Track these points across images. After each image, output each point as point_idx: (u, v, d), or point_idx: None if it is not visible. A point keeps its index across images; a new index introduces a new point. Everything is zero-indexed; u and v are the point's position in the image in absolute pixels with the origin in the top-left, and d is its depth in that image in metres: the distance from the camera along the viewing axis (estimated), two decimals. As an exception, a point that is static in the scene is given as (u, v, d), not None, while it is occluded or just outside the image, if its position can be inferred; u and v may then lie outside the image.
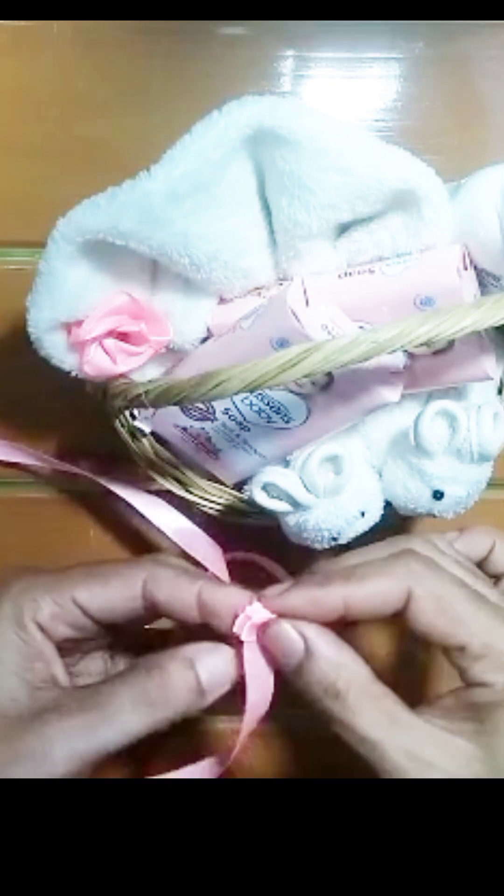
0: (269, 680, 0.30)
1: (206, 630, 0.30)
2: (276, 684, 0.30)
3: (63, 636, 0.30)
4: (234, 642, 0.30)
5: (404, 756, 0.27)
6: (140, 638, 0.35)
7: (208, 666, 0.29)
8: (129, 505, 0.49)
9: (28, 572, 0.31)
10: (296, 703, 0.29)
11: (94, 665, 0.34)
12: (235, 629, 0.29)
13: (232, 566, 0.35)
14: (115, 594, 0.30)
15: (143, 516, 0.43)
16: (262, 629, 0.29)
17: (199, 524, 0.46)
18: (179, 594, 0.30)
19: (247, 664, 0.29)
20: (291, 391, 0.37)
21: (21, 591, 0.30)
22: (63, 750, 0.27)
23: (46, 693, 0.29)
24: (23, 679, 0.29)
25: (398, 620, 0.29)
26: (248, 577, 0.39)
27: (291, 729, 0.49)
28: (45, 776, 0.27)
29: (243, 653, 0.29)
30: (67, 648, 0.31)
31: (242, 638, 0.29)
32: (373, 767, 0.27)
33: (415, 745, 0.27)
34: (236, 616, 0.29)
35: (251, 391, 0.31)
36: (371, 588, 0.28)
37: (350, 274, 0.38)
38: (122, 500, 0.49)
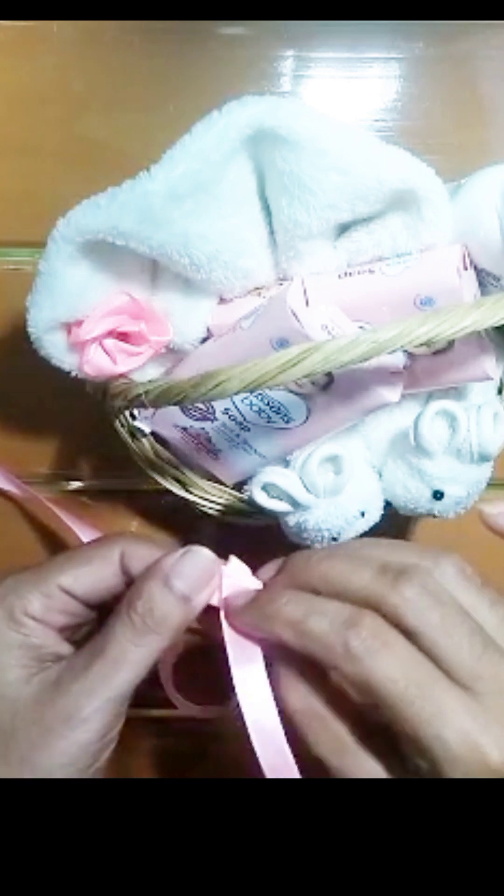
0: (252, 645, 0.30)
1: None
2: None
3: (59, 624, 0.31)
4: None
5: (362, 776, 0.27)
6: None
7: (184, 574, 0.29)
8: (129, 505, 0.50)
9: (10, 574, 0.32)
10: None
11: None
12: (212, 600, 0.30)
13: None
14: (97, 574, 0.31)
15: (143, 517, 0.44)
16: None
17: (198, 524, 0.46)
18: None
19: (225, 630, 0.30)
20: (291, 391, 0.37)
21: (7, 591, 0.31)
22: (89, 707, 0.28)
23: (56, 665, 0.30)
24: (31, 668, 0.30)
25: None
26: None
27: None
28: (82, 740, 0.28)
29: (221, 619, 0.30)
30: (68, 635, 0.32)
31: (213, 602, 0.30)
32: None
33: (362, 771, 0.27)
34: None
35: (251, 391, 0.31)
36: (304, 645, 0.28)
37: (350, 274, 0.38)
38: (123, 500, 0.50)
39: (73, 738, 0.28)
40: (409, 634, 0.27)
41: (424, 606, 0.27)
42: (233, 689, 0.29)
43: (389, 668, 0.26)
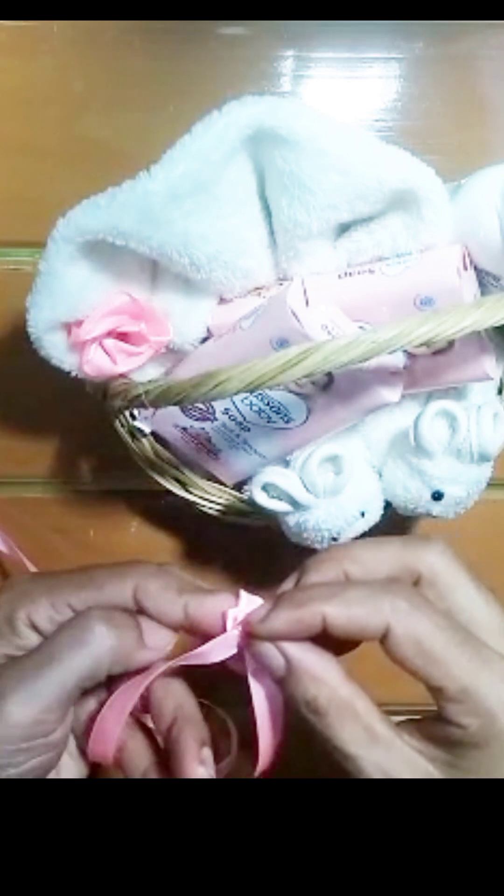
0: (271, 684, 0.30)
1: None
2: None
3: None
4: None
5: (378, 772, 0.27)
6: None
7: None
8: (129, 505, 0.50)
9: (29, 576, 0.32)
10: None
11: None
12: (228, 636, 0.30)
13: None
14: (106, 601, 0.31)
15: (143, 517, 0.44)
16: (247, 644, 0.30)
17: (198, 524, 0.46)
18: (166, 608, 0.31)
19: (249, 667, 0.30)
20: (291, 391, 0.37)
21: (20, 592, 0.31)
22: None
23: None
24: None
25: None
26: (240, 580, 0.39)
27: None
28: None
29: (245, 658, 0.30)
30: None
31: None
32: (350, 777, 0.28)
33: (389, 764, 0.27)
34: (225, 618, 0.30)
35: (251, 391, 0.31)
36: (351, 614, 0.28)
37: (350, 274, 0.38)
38: (123, 500, 0.50)
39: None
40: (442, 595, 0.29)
41: (455, 563, 0.30)
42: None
43: (438, 619, 0.28)
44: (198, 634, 0.31)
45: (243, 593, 0.30)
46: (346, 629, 0.28)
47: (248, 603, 0.30)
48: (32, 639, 0.30)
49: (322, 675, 0.28)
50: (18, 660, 0.30)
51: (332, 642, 0.29)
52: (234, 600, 0.30)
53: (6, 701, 0.28)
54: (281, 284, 0.41)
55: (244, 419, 0.39)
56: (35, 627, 0.30)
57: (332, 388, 0.37)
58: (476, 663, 0.27)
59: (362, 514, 0.39)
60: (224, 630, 0.30)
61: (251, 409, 0.38)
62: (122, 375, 0.39)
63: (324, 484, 0.38)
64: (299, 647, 0.29)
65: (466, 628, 0.28)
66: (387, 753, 0.27)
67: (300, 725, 0.28)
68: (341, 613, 0.28)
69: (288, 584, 0.31)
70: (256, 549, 0.47)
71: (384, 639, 0.28)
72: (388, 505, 0.41)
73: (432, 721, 0.28)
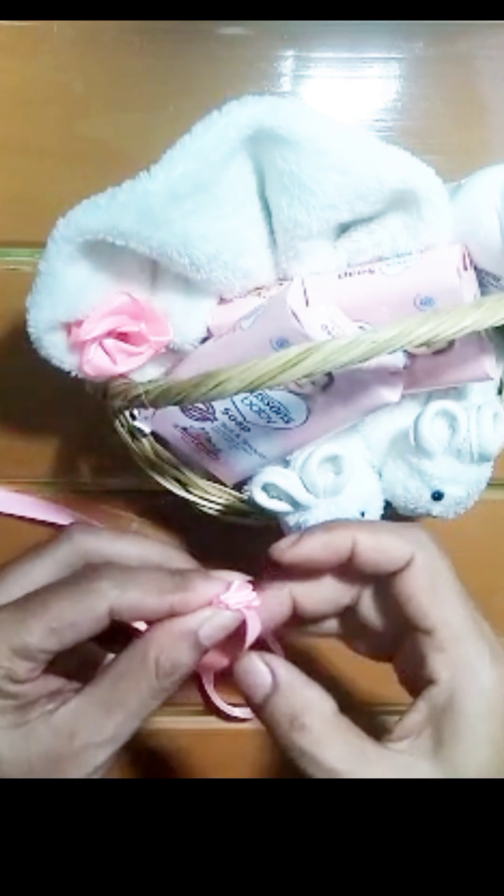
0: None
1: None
2: None
3: (41, 668, 0.29)
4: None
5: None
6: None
7: (210, 635, 0.29)
8: (129, 505, 0.50)
9: None
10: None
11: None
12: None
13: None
14: (79, 632, 0.29)
15: (143, 517, 0.44)
16: (231, 664, 0.30)
17: (198, 524, 0.46)
18: (150, 614, 0.30)
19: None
20: (291, 391, 0.37)
21: None
22: (106, 755, 0.29)
23: (63, 713, 0.29)
24: (31, 721, 0.29)
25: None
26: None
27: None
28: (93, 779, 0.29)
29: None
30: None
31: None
32: None
33: (380, 775, 0.27)
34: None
35: (251, 391, 0.31)
36: (380, 539, 0.29)
37: (350, 274, 0.38)
38: (122, 500, 0.50)
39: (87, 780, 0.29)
40: None
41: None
42: None
43: (452, 567, 0.29)
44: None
45: (236, 580, 0.31)
46: (373, 556, 0.29)
47: (240, 588, 0.30)
48: (24, 690, 0.29)
49: (308, 693, 0.28)
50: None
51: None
52: (221, 586, 0.30)
53: None
54: (281, 284, 0.41)
55: (244, 419, 0.39)
56: (20, 682, 0.29)
57: (332, 388, 0.37)
58: (472, 618, 0.28)
59: (362, 514, 0.39)
60: None
61: (251, 409, 0.38)
62: (122, 375, 0.39)
63: (324, 484, 0.38)
64: (284, 663, 0.29)
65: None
66: (380, 767, 0.27)
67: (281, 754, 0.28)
68: (371, 538, 0.29)
69: (285, 544, 0.31)
70: (256, 549, 0.47)
71: (403, 571, 0.29)
72: (388, 505, 0.41)
73: (411, 709, 0.28)
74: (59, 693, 0.31)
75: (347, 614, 0.32)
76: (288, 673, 0.29)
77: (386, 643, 0.31)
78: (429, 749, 0.27)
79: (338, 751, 0.27)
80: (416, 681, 0.29)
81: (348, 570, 0.30)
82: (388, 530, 0.30)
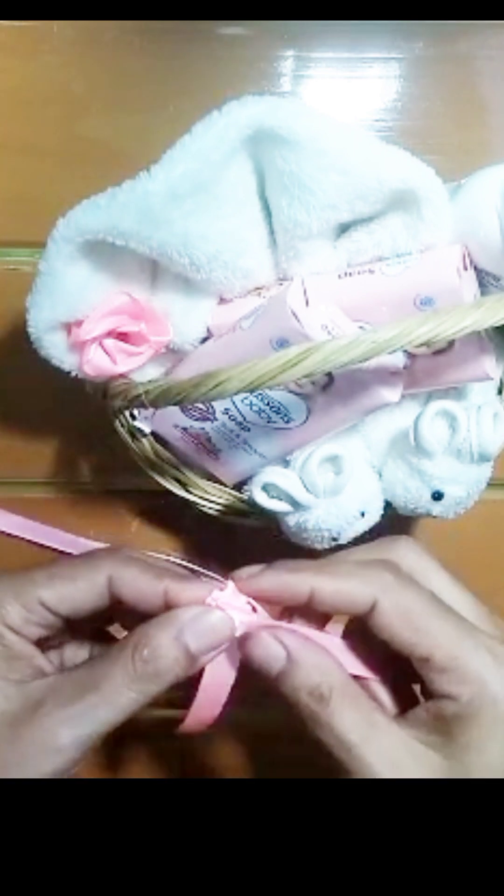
0: (229, 674, 0.30)
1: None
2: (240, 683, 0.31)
3: (36, 636, 0.30)
4: None
5: (378, 759, 0.27)
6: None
7: (196, 632, 0.29)
8: (129, 505, 0.50)
9: None
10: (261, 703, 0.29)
11: (82, 653, 0.34)
12: None
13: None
14: (81, 594, 0.30)
15: (143, 517, 0.44)
16: (243, 640, 0.30)
17: (198, 524, 0.46)
18: (145, 594, 0.30)
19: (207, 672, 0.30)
20: (291, 391, 0.37)
21: None
22: (68, 737, 0.28)
23: (38, 683, 0.29)
24: (7, 679, 0.29)
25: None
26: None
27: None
28: (55, 766, 0.28)
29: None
30: (46, 644, 0.32)
31: None
32: (348, 770, 0.27)
33: (389, 750, 0.27)
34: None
35: (251, 391, 0.31)
36: (339, 585, 0.29)
37: (350, 274, 0.38)
38: (122, 500, 0.50)
39: (45, 767, 0.28)
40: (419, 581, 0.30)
41: (425, 554, 0.31)
42: None
43: (422, 592, 0.29)
44: None
45: (230, 583, 0.30)
46: (333, 601, 0.29)
47: (234, 594, 0.30)
48: (15, 641, 0.30)
49: (322, 663, 0.28)
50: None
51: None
52: (211, 587, 0.30)
53: None
54: (281, 284, 0.41)
55: (244, 419, 0.39)
56: (12, 629, 0.30)
57: (332, 388, 0.37)
58: (460, 632, 0.28)
59: (362, 514, 0.39)
60: None
61: (251, 409, 0.38)
62: (122, 375, 0.39)
63: (324, 484, 0.38)
64: (296, 637, 0.29)
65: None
66: (387, 739, 0.27)
67: (297, 721, 0.28)
68: (329, 585, 0.29)
69: (245, 573, 0.31)
70: (256, 550, 0.47)
71: (370, 613, 0.28)
72: (388, 505, 0.41)
73: (422, 706, 0.28)
74: (44, 675, 0.31)
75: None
76: (300, 644, 0.29)
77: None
78: (439, 742, 0.28)
79: (350, 719, 0.27)
80: (428, 692, 0.29)
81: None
82: (348, 574, 0.29)
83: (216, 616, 0.29)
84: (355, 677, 0.30)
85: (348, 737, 0.27)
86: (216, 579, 0.31)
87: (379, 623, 0.28)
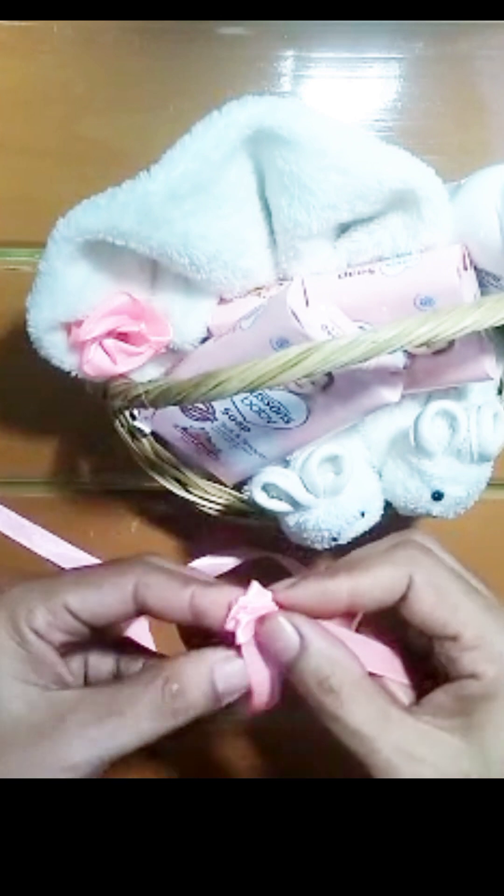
0: (268, 675, 0.30)
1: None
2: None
3: (60, 641, 0.30)
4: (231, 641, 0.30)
5: (395, 752, 0.27)
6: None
7: (225, 674, 0.29)
8: (129, 505, 0.50)
9: (21, 580, 0.31)
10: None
11: (105, 664, 0.34)
12: (228, 626, 0.29)
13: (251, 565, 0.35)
14: (106, 600, 0.30)
15: (143, 517, 0.43)
16: (259, 623, 0.29)
17: (198, 524, 0.46)
18: (171, 600, 0.30)
19: (248, 664, 0.30)
20: (291, 391, 0.37)
21: (15, 599, 0.30)
22: (84, 756, 0.28)
23: (65, 695, 0.29)
24: (29, 683, 0.29)
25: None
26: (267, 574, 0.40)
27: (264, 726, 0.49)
28: (63, 777, 0.28)
29: (242, 653, 0.30)
30: (67, 652, 0.31)
31: (239, 640, 0.29)
32: (362, 762, 0.27)
33: (406, 742, 0.27)
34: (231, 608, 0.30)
35: (251, 391, 0.31)
36: (375, 576, 0.29)
37: (350, 274, 0.38)
38: (122, 500, 0.50)
39: (56, 775, 0.28)
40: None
41: (438, 544, 0.31)
42: None
43: (449, 567, 0.29)
44: (203, 627, 0.30)
45: (254, 583, 0.30)
46: (372, 596, 0.29)
47: (258, 594, 0.30)
48: (38, 645, 0.30)
49: (336, 655, 0.28)
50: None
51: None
52: (241, 593, 0.30)
53: None
54: (281, 284, 0.41)
55: (244, 419, 0.39)
56: (37, 632, 0.30)
57: (332, 388, 0.37)
58: (487, 611, 0.29)
59: (362, 514, 0.39)
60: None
61: (251, 409, 0.38)
62: (122, 375, 0.39)
63: (324, 484, 0.38)
64: (313, 626, 0.29)
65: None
66: (402, 731, 0.27)
67: (307, 713, 0.28)
68: (366, 580, 0.29)
69: (282, 586, 0.31)
70: (256, 550, 0.47)
71: (405, 593, 0.28)
72: (388, 505, 0.41)
73: (441, 689, 0.28)
74: (67, 685, 0.31)
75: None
76: (315, 634, 0.29)
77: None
78: (458, 725, 0.28)
79: (364, 713, 0.27)
80: (448, 675, 0.29)
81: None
82: (380, 563, 0.29)
83: (240, 662, 0.30)
84: (371, 674, 0.29)
85: (362, 730, 0.27)
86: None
87: (414, 602, 0.28)
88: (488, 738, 0.27)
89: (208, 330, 0.41)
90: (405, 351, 0.37)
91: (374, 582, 0.29)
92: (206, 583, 0.30)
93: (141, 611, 0.30)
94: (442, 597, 0.29)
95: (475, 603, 0.29)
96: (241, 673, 0.29)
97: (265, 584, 0.30)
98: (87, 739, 0.28)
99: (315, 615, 0.29)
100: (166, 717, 0.29)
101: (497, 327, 0.32)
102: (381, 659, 0.31)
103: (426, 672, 0.30)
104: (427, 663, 0.30)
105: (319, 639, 0.28)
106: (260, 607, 0.29)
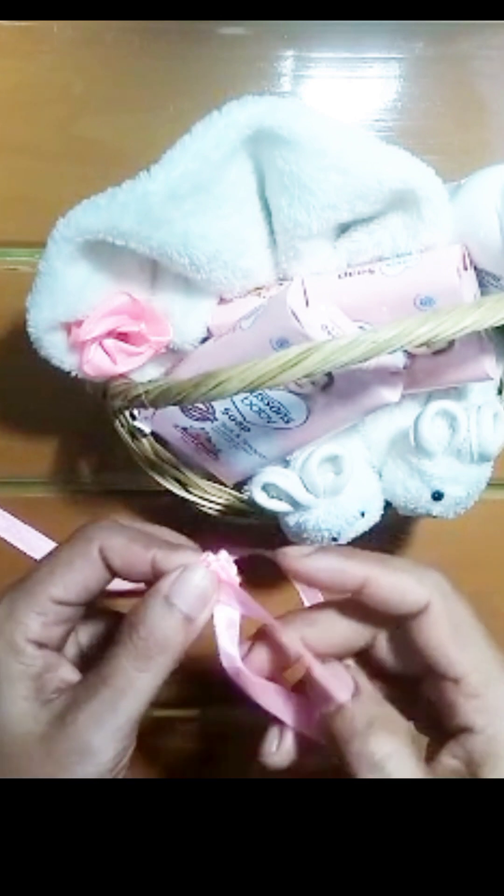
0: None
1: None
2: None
3: (59, 636, 0.30)
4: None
5: None
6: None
7: (184, 594, 0.29)
8: (129, 505, 0.50)
9: (5, 597, 0.30)
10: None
11: (97, 629, 0.34)
12: None
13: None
14: (83, 576, 0.30)
15: (143, 517, 0.43)
16: (309, 674, 0.29)
17: (198, 524, 0.46)
18: (134, 563, 0.30)
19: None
20: (291, 391, 0.37)
21: (4, 617, 0.30)
22: (97, 736, 0.28)
23: (60, 698, 0.29)
24: (37, 700, 0.29)
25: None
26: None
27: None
28: (97, 768, 0.28)
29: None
30: (65, 640, 0.31)
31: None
32: None
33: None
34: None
35: (251, 391, 0.31)
36: (396, 579, 0.28)
37: (350, 274, 0.38)
38: (122, 500, 0.50)
39: (88, 769, 0.28)
40: None
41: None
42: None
43: (471, 610, 0.29)
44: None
45: (223, 551, 0.30)
46: (386, 595, 0.28)
47: (227, 561, 0.30)
48: (40, 656, 0.29)
49: (388, 706, 0.28)
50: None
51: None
52: (201, 555, 0.30)
53: None
54: (281, 284, 0.41)
55: (244, 419, 0.39)
56: (36, 642, 0.29)
57: (332, 388, 0.37)
58: (495, 661, 0.28)
59: (362, 514, 0.39)
60: None
61: (251, 409, 0.38)
62: (122, 375, 0.39)
63: (324, 484, 0.38)
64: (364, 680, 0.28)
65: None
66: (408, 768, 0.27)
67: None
68: (387, 577, 0.28)
69: (297, 551, 0.30)
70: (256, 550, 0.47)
71: (418, 616, 0.28)
72: (388, 505, 0.41)
73: (447, 753, 0.28)
74: (71, 684, 0.31)
75: (363, 658, 0.31)
76: (368, 685, 0.28)
77: (405, 688, 0.31)
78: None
79: (408, 769, 0.26)
80: (444, 728, 0.28)
81: (362, 611, 0.29)
82: (406, 570, 0.28)
83: (198, 574, 0.29)
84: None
85: (386, 767, 0.26)
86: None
87: (425, 627, 0.28)
88: None
89: (208, 330, 0.41)
90: (405, 351, 0.37)
91: (394, 583, 0.28)
92: (168, 544, 0.30)
93: (114, 574, 0.30)
94: (459, 633, 0.28)
95: (489, 652, 0.28)
96: (198, 586, 0.29)
97: (264, 584, 0.30)
98: (92, 721, 0.28)
99: (322, 587, 0.29)
100: (149, 661, 0.28)
101: (497, 327, 0.32)
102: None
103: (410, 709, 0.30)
104: (406, 702, 0.29)
105: (372, 689, 0.28)
106: (221, 569, 0.29)
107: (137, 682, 0.28)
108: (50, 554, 0.31)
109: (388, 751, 0.26)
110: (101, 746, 0.28)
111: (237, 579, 0.30)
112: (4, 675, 0.29)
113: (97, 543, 0.30)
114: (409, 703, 0.30)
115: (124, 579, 0.30)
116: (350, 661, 0.31)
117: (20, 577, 0.31)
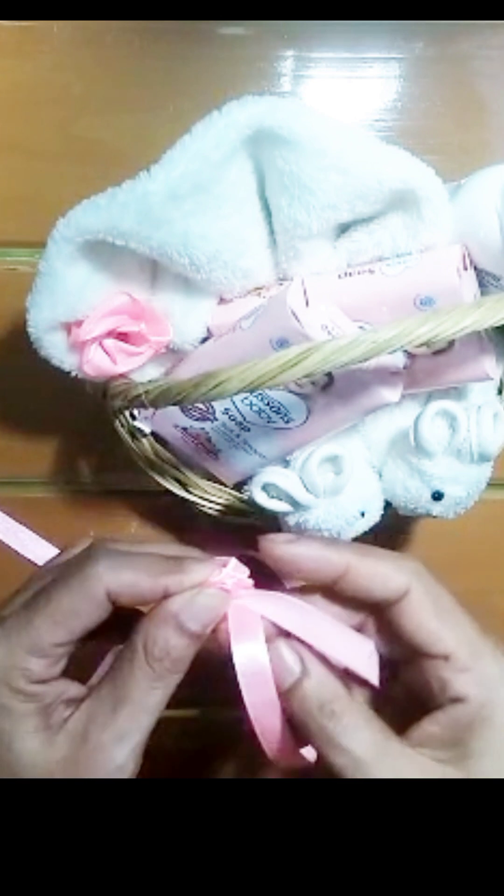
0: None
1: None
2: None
3: (61, 668, 0.30)
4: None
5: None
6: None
7: (195, 615, 0.29)
8: (129, 505, 0.50)
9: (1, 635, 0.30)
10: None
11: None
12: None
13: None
14: (90, 620, 0.29)
15: (143, 517, 0.43)
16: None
17: (198, 524, 0.46)
18: (145, 597, 0.30)
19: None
20: (291, 391, 0.37)
21: (3, 662, 0.29)
22: (123, 753, 0.28)
23: (75, 717, 0.29)
24: (49, 729, 0.29)
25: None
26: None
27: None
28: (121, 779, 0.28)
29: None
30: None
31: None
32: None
33: (403, 773, 0.27)
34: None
35: (251, 391, 0.31)
36: (376, 566, 0.29)
37: (350, 274, 0.38)
38: (122, 500, 0.50)
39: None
40: None
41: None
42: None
43: (449, 593, 0.29)
44: None
45: (233, 559, 0.30)
46: (367, 582, 0.29)
47: (236, 568, 0.30)
48: (45, 690, 0.29)
49: (337, 682, 0.28)
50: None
51: None
52: (216, 567, 0.30)
53: None
54: (281, 284, 0.41)
55: (244, 419, 0.39)
56: (40, 681, 0.29)
57: (332, 388, 0.37)
58: (479, 634, 0.29)
59: (362, 514, 0.39)
60: None
61: (251, 409, 0.38)
62: (122, 375, 0.39)
63: (324, 484, 0.38)
64: (314, 657, 0.29)
65: None
66: (400, 761, 0.27)
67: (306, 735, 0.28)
68: (367, 565, 0.29)
69: (281, 538, 0.30)
70: (256, 550, 0.47)
71: (399, 601, 0.28)
72: (388, 505, 0.41)
73: (428, 720, 0.28)
74: (79, 700, 0.31)
75: None
76: (317, 663, 0.29)
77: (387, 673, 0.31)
78: (454, 759, 0.27)
79: (365, 740, 0.27)
80: (429, 704, 0.29)
81: (345, 600, 0.30)
82: (384, 558, 0.29)
83: (207, 595, 0.29)
84: (370, 686, 0.29)
85: (363, 757, 0.27)
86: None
87: (409, 611, 0.28)
88: (484, 768, 0.27)
89: (208, 330, 0.41)
90: (405, 351, 0.37)
91: (374, 569, 0.29)
92: (176, 563, 0.30)
93: (117, 609, 0.30)
94: (439, 611, 0.29)
95: (471, 626, 0.29)
96: (208, 607, 0.29)
97: (264, 584, 0.30)
98: (117, 739, 0.28)
99: (305, 577, 0.29)
100: (165, 679, 0.29)
101: (497, 327, 0.32)
102: (351, 648, 0.30)
103: (389, 693, 0.30)
104: (393, 683, 0.30)
105: (319, 664, 0.28)
106: (237, 583, 0.30)
107: (153, 697, 0.29)
108: (48, 585, 0.30)
109: (340, 727, 0.27)
110: (125, 762, 0.28)
111: (250, 582, 0.30)
112: (11, 716, 0.29)
113: (103, 587, 0.29)
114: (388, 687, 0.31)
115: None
116: None
117: (20, 605, 0.30)
